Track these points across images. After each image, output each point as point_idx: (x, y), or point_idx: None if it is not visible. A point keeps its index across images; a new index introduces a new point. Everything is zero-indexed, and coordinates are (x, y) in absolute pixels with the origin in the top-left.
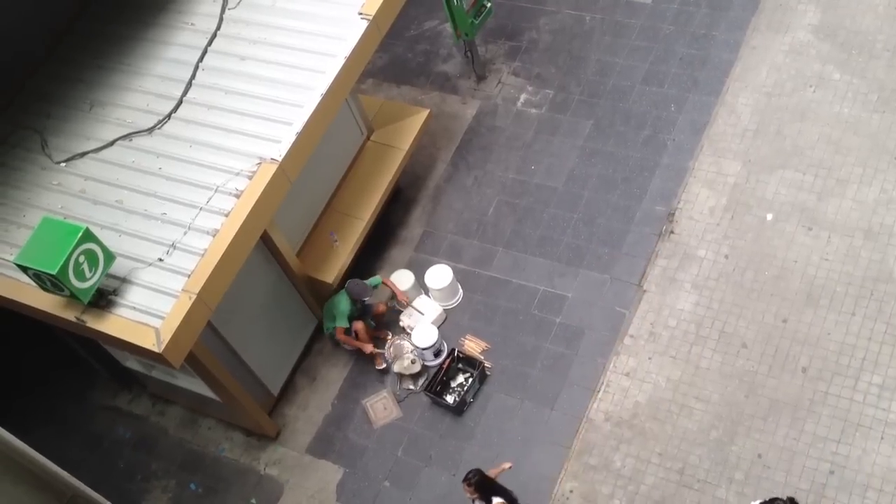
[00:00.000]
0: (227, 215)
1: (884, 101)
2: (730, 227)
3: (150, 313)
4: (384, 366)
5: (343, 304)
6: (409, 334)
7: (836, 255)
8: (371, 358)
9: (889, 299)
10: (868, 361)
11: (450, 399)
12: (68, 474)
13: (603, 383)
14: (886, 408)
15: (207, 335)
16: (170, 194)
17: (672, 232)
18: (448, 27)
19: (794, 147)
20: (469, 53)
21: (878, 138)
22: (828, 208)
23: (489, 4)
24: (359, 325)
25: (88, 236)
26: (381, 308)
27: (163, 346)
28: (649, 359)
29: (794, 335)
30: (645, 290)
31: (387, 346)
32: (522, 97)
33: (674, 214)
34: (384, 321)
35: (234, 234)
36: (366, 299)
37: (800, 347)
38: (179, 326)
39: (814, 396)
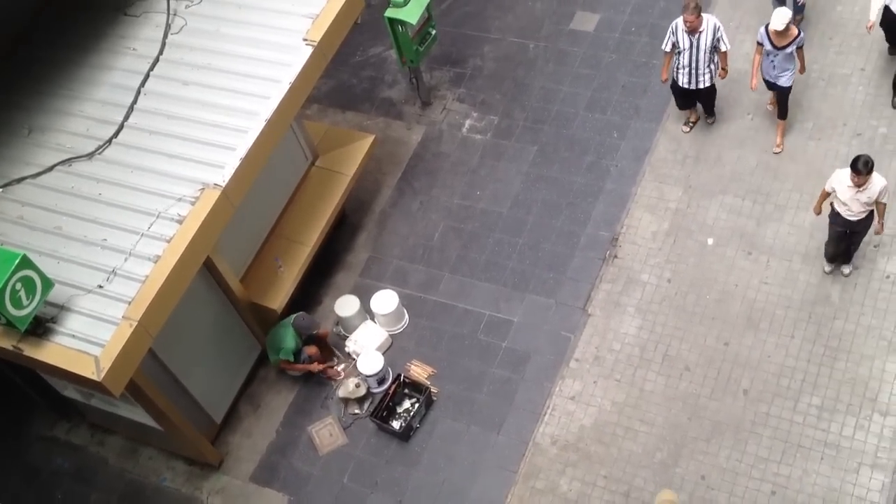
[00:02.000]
0: (169, 241)
1: (819, 129)
2: (672, 251)
3: (89, 341)
4: (341, 375)
5: (288, 339)
6: (354, 360)
7: (775, 279)
8: (327, 377)
9: (827, 322)
10: (807, 383)
11: (396, 425)
12: None
13: (549, 407)
14: (826, 428)
15: (148, 363)
16: (110, 220)
17: (616, 256)
18: (393, 54)
19: (733, 173)
20: (414, 80)
21: (813, 164)
22: (766, 233)
23: (434, 32)
24: (312, 349)
25: (26, 263)
26: (323, 332)
27: (102, 375)
28: (594, 382)
29: (735, 358)
30: (590, 315)
31: (336, 366)
32: (467, 123)
33: (617, 239)
34: (327, 344)
35: (176, 260)
36: (312, 334)
37: (741, 370)
38: (119, 354)
39: (755, 418)
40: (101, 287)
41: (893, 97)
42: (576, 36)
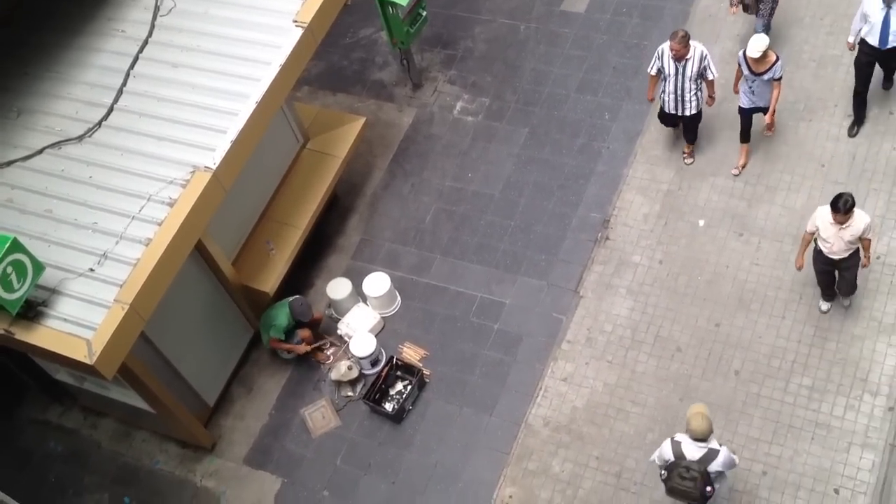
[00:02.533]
0: (160, 224)
1: (810, 110)
2: (663, 233)
3: (81, 324)
4: (330, 360)
5: (281, 317)
6: (346, 342)
7: (767, 260)
8: (316, 360)
9: (818, 302)
10: (798, 364)
11: (389, 407)
12: None
13: (541, 389)
14: (816, 409)
15: (141, 346)
16: (101, 203)
17: (607, 238)
18: (383, 35)
19: (724, 155)
20: (405, 62)
21: (804, 146)
22: (758, 214)
23: (424, 13)
24: (305, 333)
25: (16, 246)
26: (318, 315)
27: (95, 358)
28: (586, 364)
29: (726, 339)
30: (581, 296)
31: (325, 350)
32: (458, 105)
33: (609, 221)
34: (319, 329)
35: (167, 243)
36: (307, 319)
37: (732, 351)
38: (111, 337)
39: (746, 398)
40: (92, 270)
41: (852, 126)
42: (567, 17)
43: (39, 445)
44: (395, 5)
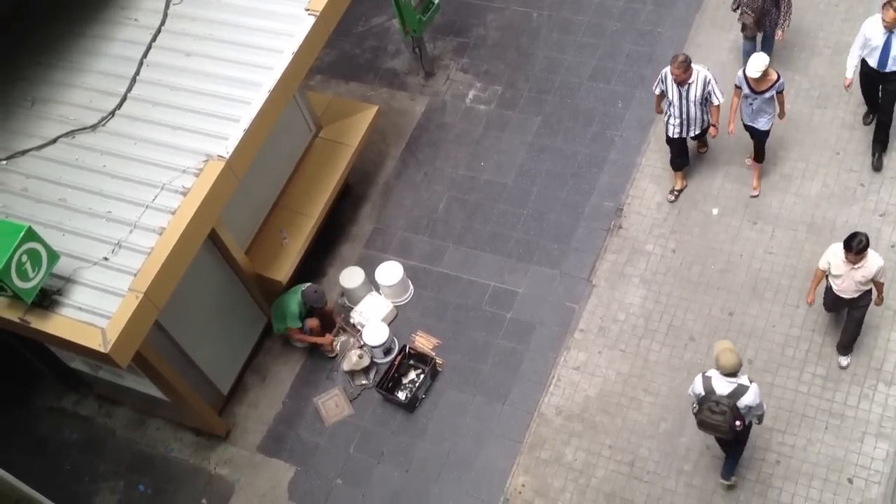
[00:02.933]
0: (173, 213)
1: (825, 98)
2: (676, 222)
3: (95, 313)
4: (336, 353)
5: (293, 304)
6: (359, 332)
7: (781, 249)
8: (323, 349)
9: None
10: (812, 353)
11: (401, 396)
12: (13, 478)
13: (554, 378)
14: (830, 398)
15: (155, 334)
16: (115, 192)
17: (620, 227)
18: (396, 23)
19: (737, 143)
20: (417, 50)
21: (819, 134)
22: (772, 203)
23: (437, 1)
24: (314, 322)
25: (31, 235)
26: (329, 307)
27: (109, 347)
28: (599, 353)
29: (740, 328)
30: (594, 285)
31: (333, 342)
32: (471, 93)
33: (622, 210)
34: (331, 318)
35: (180, 232)
36: (320, 307)
37: (746, 340)
38: (126, 326)
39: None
40: (106, 259)
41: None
42: (580, 4)
43: (55, 433)
44: None
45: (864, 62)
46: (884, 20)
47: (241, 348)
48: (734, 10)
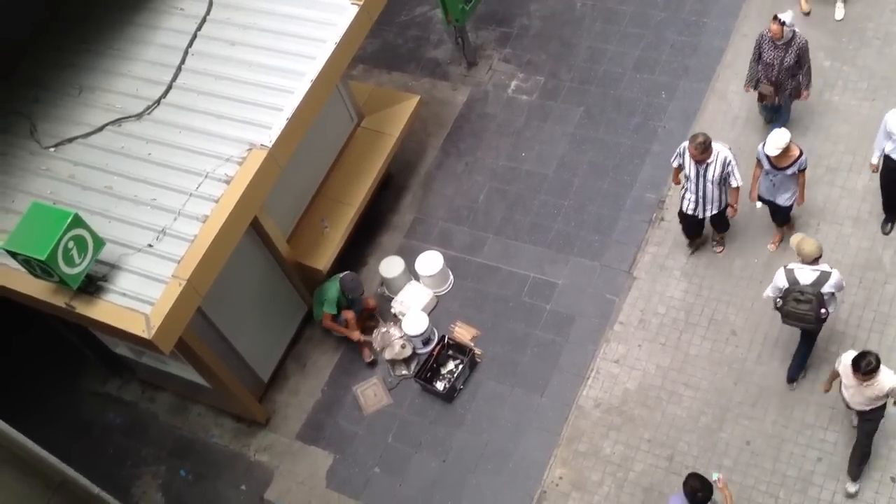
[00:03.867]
0: (216, 201)
1: (873, 90)
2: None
3: (139, 299)
4: (372, 359)
5: (332, 290)
6: (399, 321)
7: (826, 243)
8: (359, 348)
9: (877, 287)
10: (857, 349)
11: (440, 386)
12: (57, 460)
13: (592, 370)
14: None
15: (197, 321)
16: (159, 180)
17: (662, 219)
18: (438, 13)
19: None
20: (460, 39)
21: (867, 127)
22: (817, 196)
23: None
24: (349, 314)
25: (78, 222)
26: (372, 303)
27: (153, 333)
28: (639, 346)
29: (782, 323)
30: (635, 278)
31: (374, 335)
32: (513, 84)
33: (664, 202)
34: (375, 315)
35: (223, 220)
36: (357, 296)
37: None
38: (169, 312)
39: (802, 384)
40: (150, 246)
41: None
42: None
43: (99, 417)
44: None
45: (888, 159)
46: None
47: (281, 336)
48: (748, 90)
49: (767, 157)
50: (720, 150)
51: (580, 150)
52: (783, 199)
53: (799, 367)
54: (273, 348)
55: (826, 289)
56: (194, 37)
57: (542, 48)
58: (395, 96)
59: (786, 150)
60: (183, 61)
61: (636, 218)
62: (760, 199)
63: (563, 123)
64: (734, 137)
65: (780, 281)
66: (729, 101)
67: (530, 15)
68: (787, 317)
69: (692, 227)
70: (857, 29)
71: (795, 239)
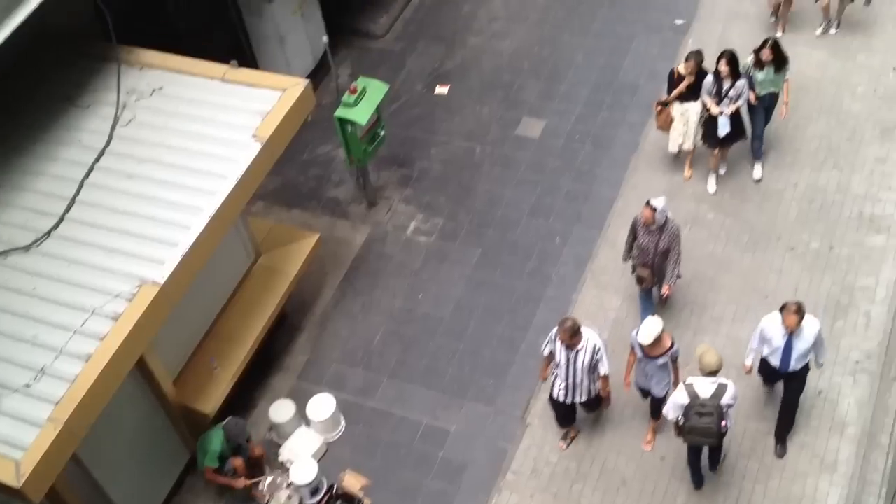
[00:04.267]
0: (101, 339)
1: (754, 242)
2: (612, 359)
3: (10, 444)
4: (266, 499)
5: (216, 442)
6: (287, 469)
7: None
8: (249, 496)
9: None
10: (742, 501)
11: None
12: None
13: None
14: None
15: (70, 467)
16: (43, 316)
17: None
18: (341, 153)
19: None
20: (361, 180)
21: (748, 277)
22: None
23: (383, 133)
24: (237, 462)
25: None
26: (258, 451)
27: (23, 481)
28: (531, 496)
29: (672, 471)
30: (528, 424)
31: (260, 486)
32: (412, 225)
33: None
34: (261, 464)
35: (108, 359)
36: (242, 442)
37: (678, 484)
38: (42, 458)
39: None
40: (27, 386)
41: None
42: (521, 141)
43: None
44: (354, 124)
45: (765, 362)
46: (785, 324)
47: (161, 485)
48: (625, 261)
49: (641, 345)
50: (590, 337)
51: (477, 293)
52: (657, 390)
53: (700, 474)
54: (151, 498)
55: (724, 401)
56: (91, 168)
57: (442, 191)
58: (294, 234)
59: (658, 340)
60: (77, 193)
61: (530, 363)
62: (638, 386)
63: (460, 265)
64: (624, 285)
65: (681, 398)
66: (619, 248)
67: (431, 158)
68: (690, 433)
69: (565, 416)
70: (739, 183)
71: (700, 349)
